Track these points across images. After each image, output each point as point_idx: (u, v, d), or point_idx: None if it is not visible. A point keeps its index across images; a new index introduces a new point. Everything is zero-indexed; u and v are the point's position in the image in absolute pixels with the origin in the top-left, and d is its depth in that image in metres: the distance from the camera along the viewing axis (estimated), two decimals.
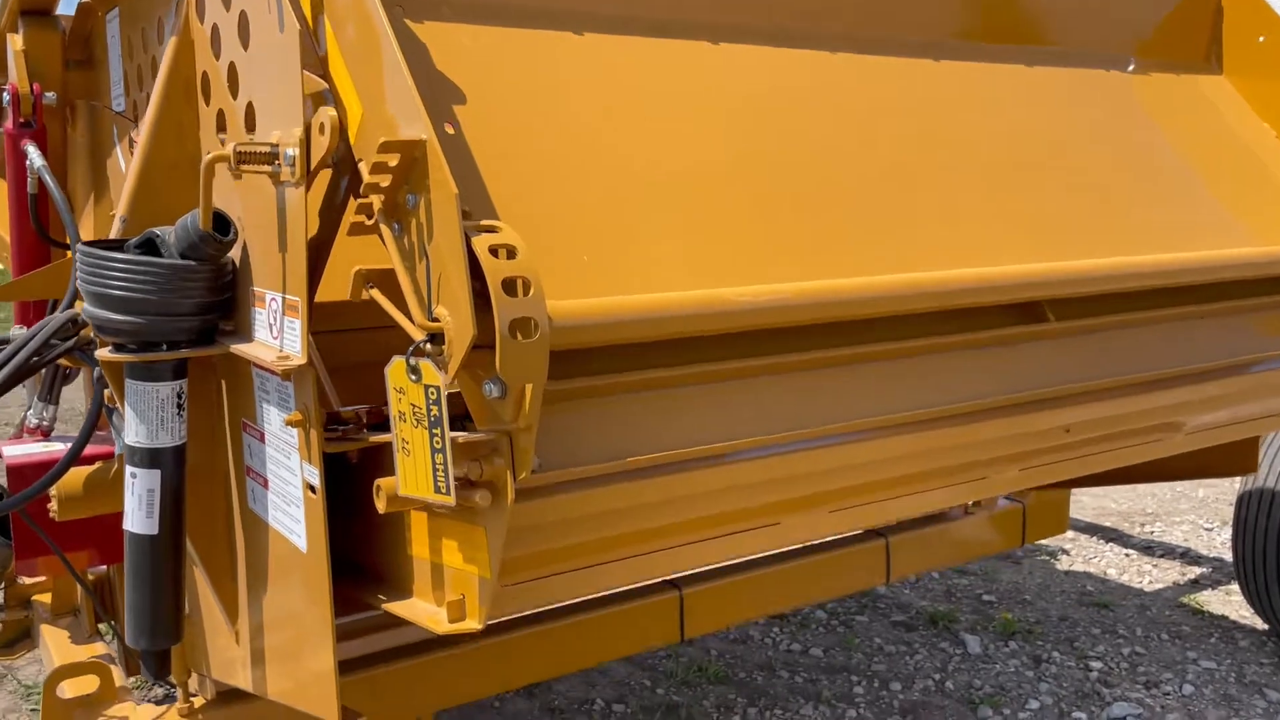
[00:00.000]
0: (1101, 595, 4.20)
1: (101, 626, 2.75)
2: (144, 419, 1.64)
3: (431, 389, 1.19)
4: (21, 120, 2.49)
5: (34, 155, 2.41)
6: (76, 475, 2.16)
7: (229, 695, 2.32)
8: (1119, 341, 1.91)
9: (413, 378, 1.21)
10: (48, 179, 2.39)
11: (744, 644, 3.80)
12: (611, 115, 1.61)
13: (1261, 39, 2.56)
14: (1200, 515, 5.21)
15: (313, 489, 1.48)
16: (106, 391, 1.89)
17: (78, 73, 2.57)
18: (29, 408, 2.57)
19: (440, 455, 1.20)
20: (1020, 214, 1.93)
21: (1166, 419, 2.03)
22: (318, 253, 1.53)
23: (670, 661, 3.65)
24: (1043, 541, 4.89)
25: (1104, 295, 1.86)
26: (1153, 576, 4.43)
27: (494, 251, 1.14)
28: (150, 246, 1.58)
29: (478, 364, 1.19)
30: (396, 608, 1.47)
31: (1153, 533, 4.99)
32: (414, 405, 1.22)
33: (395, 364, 1.23)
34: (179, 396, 1.66)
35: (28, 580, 3.02)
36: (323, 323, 1.64)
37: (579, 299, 1.31)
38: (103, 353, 1.63)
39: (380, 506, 1.35)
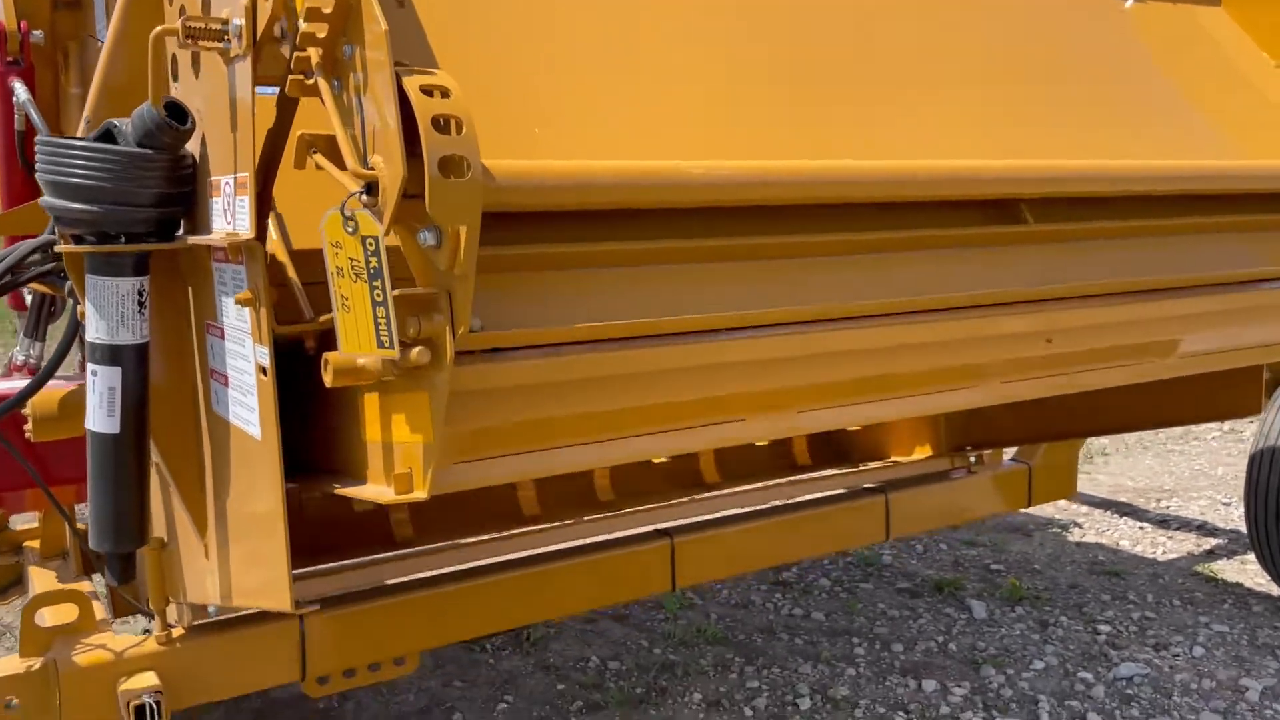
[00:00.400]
0: (1113, 564, 4.12)
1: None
2: (104, 315, 1.63)
3: (369, 240, 1.17)
4: (9, 59, 2.50)
5: (20, 90, 2.42)
6: (51, 395, 2.16)
7: (207, 626, 2.31)
8: (1102, 250, 1.86)
9: (349, 229, 1.18)
10: (33, 114, 2.40)
11: (745, 609, 3.75)
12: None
13: None
14: (1218, 491, 5.10)
15: (264, 370, 1.46)
16: (80, 309, 1.89)
17: (66, 13, 2.59)
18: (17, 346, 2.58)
19: (382, 309, 1.17)
20: (1004, 116, 1.89)
21: (1154, 335, 1.97)
22: (274, 142, 1.52)
23: (668, 624, 3.60)
24: (1055, 515, 4.81)
25: (1086, 198, 1.81)
26: (1166, 548, 4.34)
27: (426, 91, 1.12)
28: (108, 137, 1.57)
29: (413, 215, 1.16)
30: (349, 490, 1.45)
31: (1169, 508, 4.90)
32: (352, 259, 1.19)
33: (330, 217, 1.21)
34: (140, 294, 1.65)
35: (19, 526, 3.03)
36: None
37: (527, 160, 1.29)
38: (63, 246, 1.62)
39: (328, 380, 1.33)
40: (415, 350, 1.18)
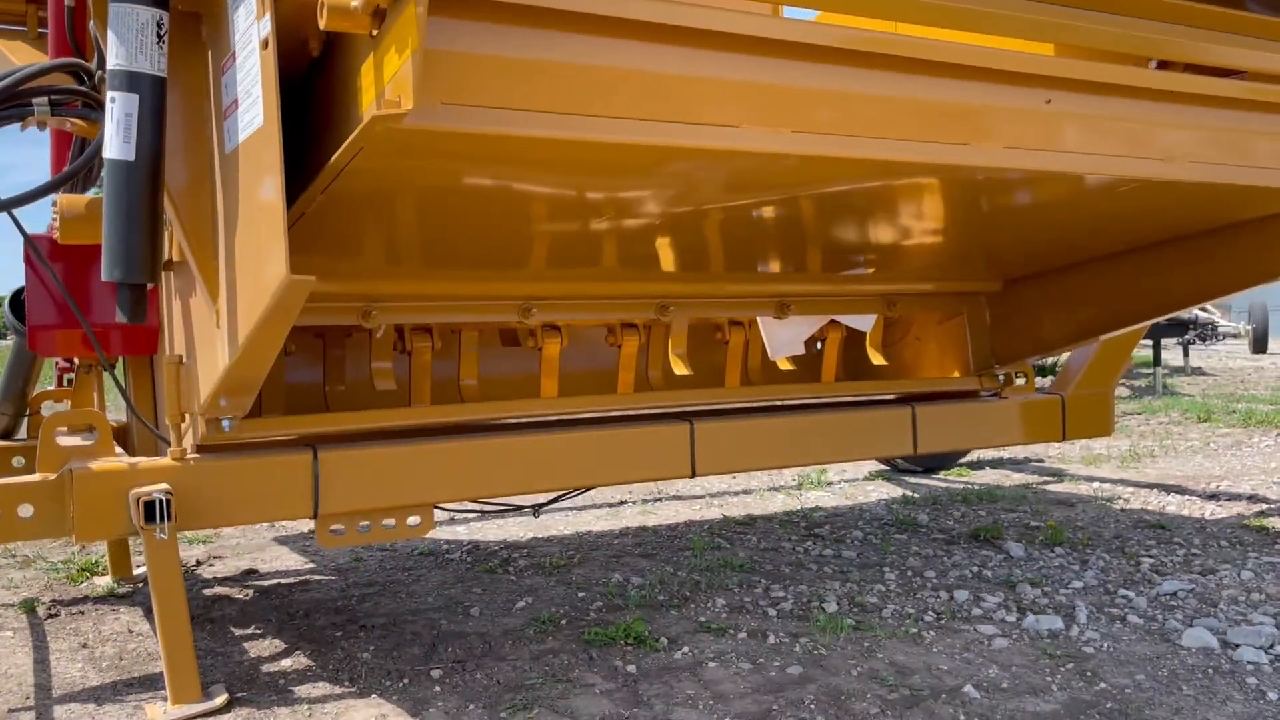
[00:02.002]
0: (1159, 521, 3.97)
1: None
2: (124, 40, 1.71)
3: None
4: None
5: None
6: (78, 199, 2.25)
7: (221, 449, 2.32)
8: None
9: None
10: None
11: (774, 550, 3.67)
12: None
13: None
14: (1272, 476, 4.92)
15: (265, 44, 1.52)
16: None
17: None
18: None
19: None
20: None
21: (1156, 117, 1.96)
22: None
23: (695, 558, 3.53)
24: (1098, 492, 4.66)
25: None
26: (1214, 511, 4.18)
27: None
28: None
29: None
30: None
31: (1219, 488, 4.72)
32: None
33: None
34: (159, 26, 1.74)
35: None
36: None
37: None
38: None
39: (322, 22, 1.39)
40: None
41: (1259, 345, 13.41)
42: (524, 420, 2.81)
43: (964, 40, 1.85)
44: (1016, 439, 3.54)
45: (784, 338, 3.39)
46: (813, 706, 2.21)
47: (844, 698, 2.26)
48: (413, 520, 2.54)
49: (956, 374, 3.47)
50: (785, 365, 3.55)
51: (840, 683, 2.35)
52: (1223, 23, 2.09)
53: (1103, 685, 2.33)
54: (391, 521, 2.51)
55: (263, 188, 1.60)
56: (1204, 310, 15.27)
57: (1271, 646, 2.55)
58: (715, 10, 1.48)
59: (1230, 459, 5.55)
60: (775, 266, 3.03)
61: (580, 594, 3.12)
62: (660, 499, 4.73)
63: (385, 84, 1.40)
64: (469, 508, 3.33)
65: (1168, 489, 4.71)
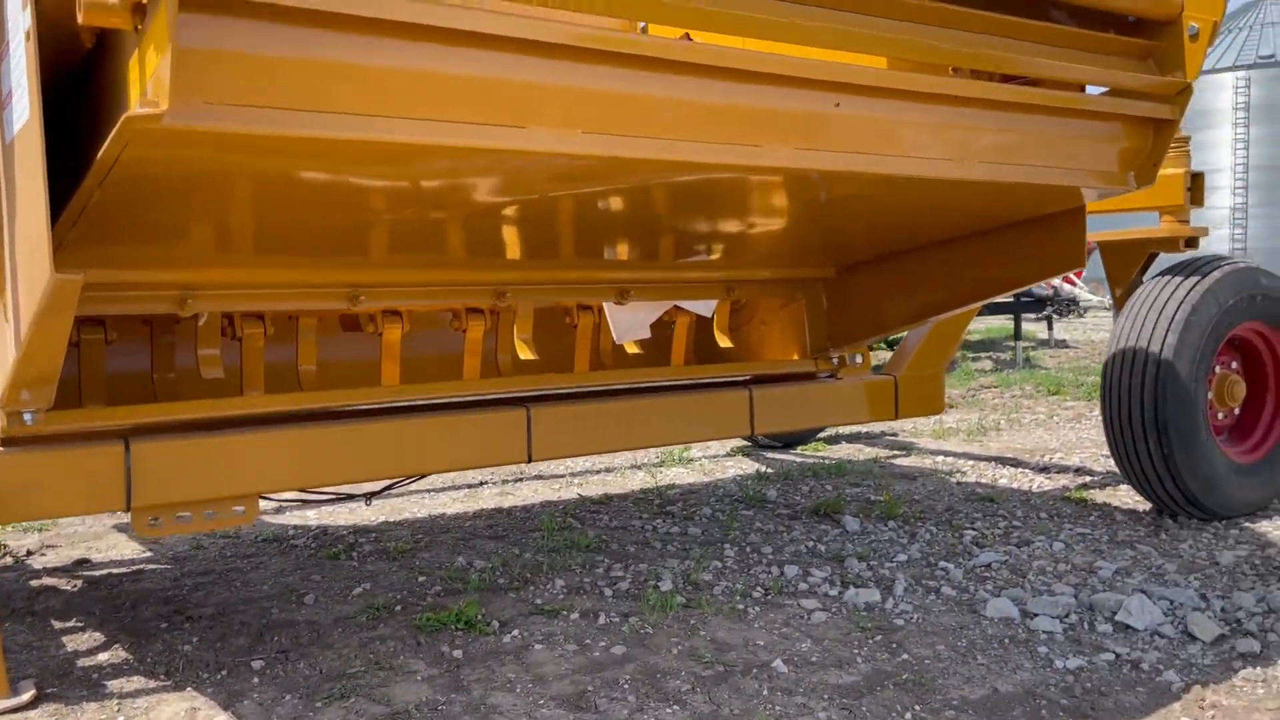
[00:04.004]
0: (989, 494, 4.18)
1: None
2: None
3: None
4: None
5: None
6: None
7: (27, 440, 2.26)
8: (876, 25, 1.95)
9: None
10: None
11: (624, 529, 3.74)
12: None
13: None
14: (1101, 449, 5.22)
15: (28, 35, 1.48)
16: None
17: None
18: None
19: None
20: None
21: (937, 118, 2.06)
22: None
23: (543, 539, 3.58)
24: (939, 465, 4.88)
25: None
26: (1041, 484, 4.42)
27: None
28: None
29: None
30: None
31: (1052, 459, 5.00)
32: None
33: None
34: None
35: None
36: None
37: None
38: None
39: (80, 18, 1.37)
40: None
41: None
42: (363, 408, 2.80)
43: (766, 48, 1.91)
44: (851, 418, 3.69)
45: (628, 322, 3.45)
46: (626, 686, 2.29)
47: (659, 675, 2.34)
48: (237, 509, 2.51)
49: (796, 356, 3.58)
50: (633, 349, 3.61)
51: (659, 661, 2.43)
52: (1021, 32, 2.21)
53: (905, 656, 2.46)
54: (213, 511, 2.48)
55: (29, 182, 1.56)
56: (1070, 283, 16.07)
57: (1067, 616, 2.73)
58: (486, 13, 1.50)
59: (1068, 432, 5.86)
60: (616, 253, 3.08)
61: (420, 579, 3.13)
62: (521, 479, 4.76)
63: (147, 81, 1.38)
64: (309, 496, 3.31)
65: (1005, 462, 4.96)
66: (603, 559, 3.32)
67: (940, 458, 5.12)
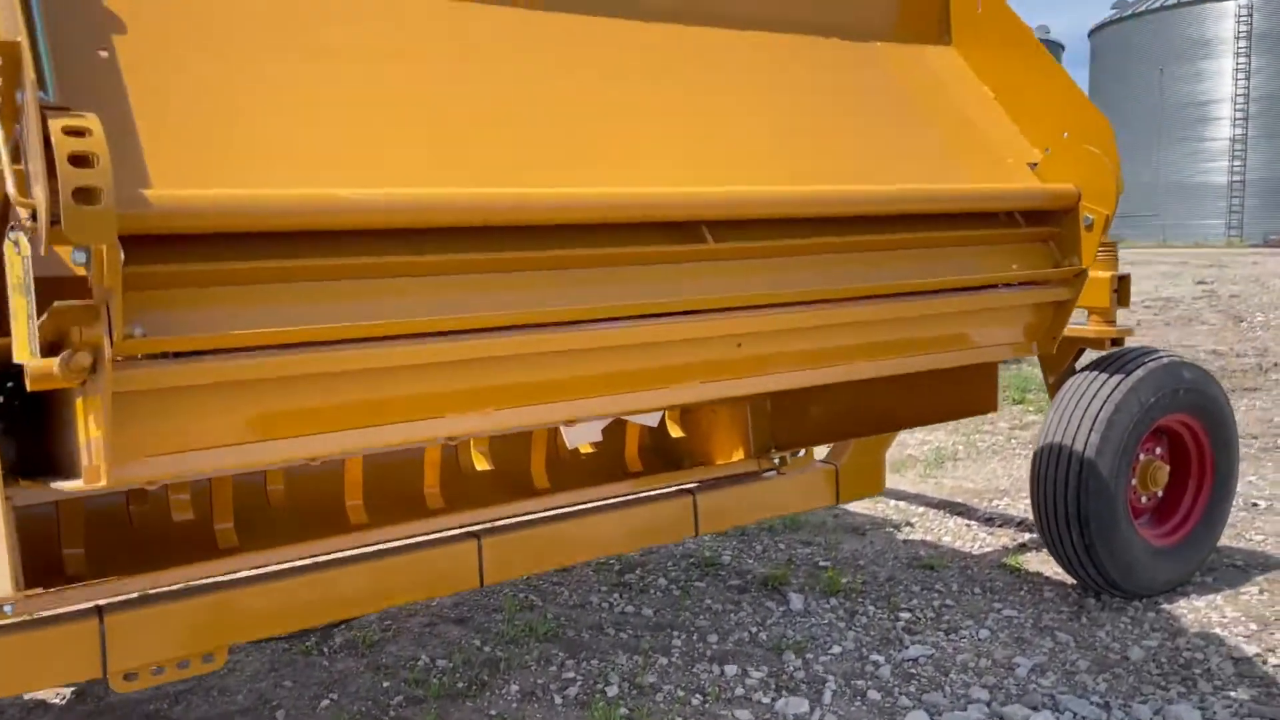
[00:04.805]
0: (931, 559, 4.40)
1: None
2: None
3: (27, 259, 1.36)
4: None
5: None
6: None
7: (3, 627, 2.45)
8: (784, 265, 2.11)
9: (16, 250, 1.38)
10: None
11: (582, 608, 3.96)
12: (285, 49, 1.80)
13: (979, 9, 2.80)
14: None
15: None
16: None
17: None
18: None
19: (31, 321, 1.37)
20: (704, 152, 2.13)
21: (832, 340, 2.23)
22: None
23: (505, 625, 3.80)
24: (891, 515, 5.10)
25: (764, 220, 2.06)
26: (985, 542, 4.65)
27: (70, 131, 1.32)
28: None
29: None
30: (60, 484, 1.63)
31: (998, 506, 5.22)
32: (18, 277, 1.39)
33: (6, 242, 1.40)
34: None
35: None
36: None
37: (194, 189, 1.49)
38: None
39: (28, 384, 1.52)
40: (77, 357, 1.38)
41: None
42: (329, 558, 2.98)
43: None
44: (792, 508, 3.89)
45: (579, 431, 3.62)
46: None
47: None
48: (208, 658, 2.72)
49: (741, 454, 3.77)
50: (587, 449, 3.79)
51: None
52: (938, 242, 2.36)
53: None
54: (185, 662, 2.68)
55: None
56: None
57: None
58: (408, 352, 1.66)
59: (1022, 464, 6.08)
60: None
61: (385, 684, 3.36)
62: None
63: (90, 440, 1.55)
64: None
65: (954, 509, 5.17)
66: (558, 652, 3.54)
67: (894, 502, 5.33)
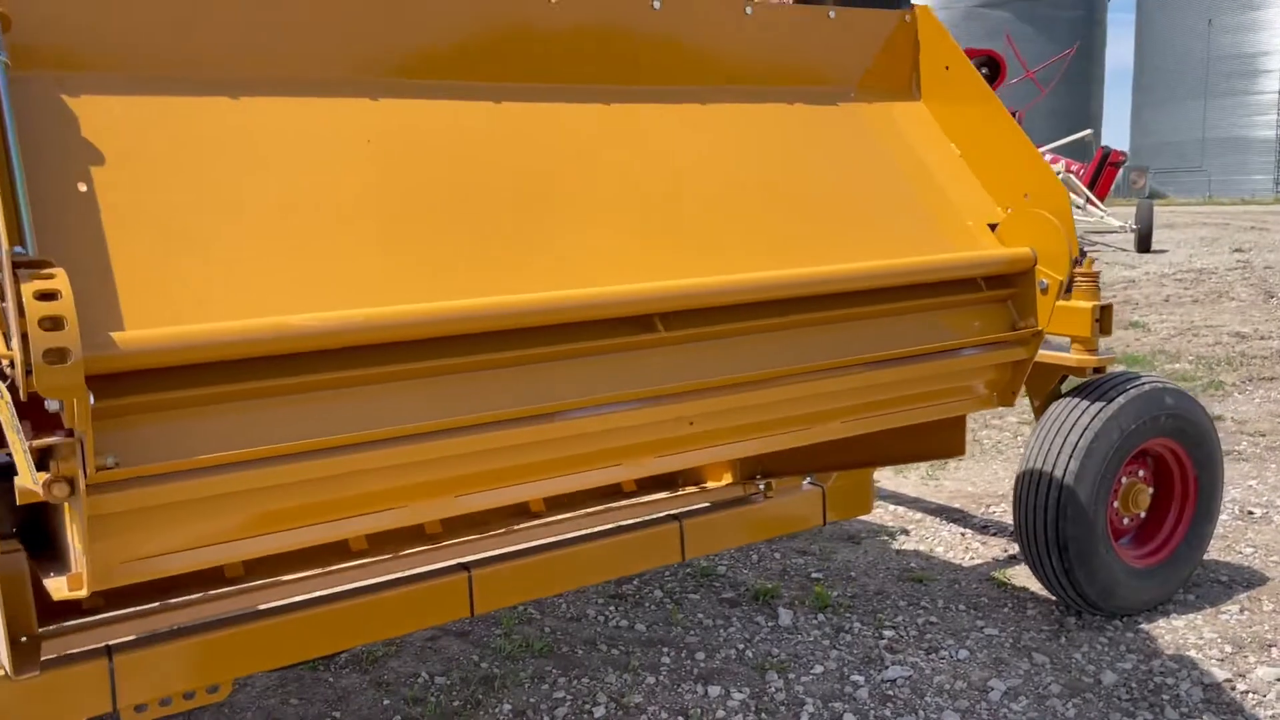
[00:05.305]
0: (921, 571, 4.52)
1: None
2: None
3: (8, 404, 1.51)
4: None
5: None
6: None
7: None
8: (737, 345, 2.22)
9: (2, 397, 1.52)
10: None
11: (577, 621, 4.12)
12: (252, 168, 1.93)
13: (947, 69, 2.86)
14: None
15: None
16: None
17: None
18: None
19: (24, 455, 1.51)
20: (653, 237, 2.23)
21: (786, 412, 2.34)
22: None
23: (503, 639, 3.97)
24: (888, 522, 5.21)
25: (712, 308, 2.17)
26: (977, 553, 4.75)
27: (41, 295, 1.45)
28: None
29: None
30: (49, 583, 1.78)
31: (994, 513, 5.31)
32: (7, 418, 1.54)
33: None
34: None
35: None
36: None
37: (160, 328, 1.63)
38: None
39: (17, 499, 1.68)
40: (55, 486, 1.53)
41: (1143, 244, 14.54)
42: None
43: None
44: (779, 531, 4.00)
45: None
46: None
47: None
48: (212, 690, 2.91)
49: (729, 479, 3.89)
50: None
51: None
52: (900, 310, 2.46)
53: None
54: (192, 693, 2.87)
55: None
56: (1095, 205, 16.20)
57: None
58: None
59: None
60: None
61: (385, 701, 3.54)
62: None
63: (75, 549, 1.70)
64: None
65: (950, 516, 5.27)
66: (551, 669, 3.71)
67: (892, 507, 5.44)
